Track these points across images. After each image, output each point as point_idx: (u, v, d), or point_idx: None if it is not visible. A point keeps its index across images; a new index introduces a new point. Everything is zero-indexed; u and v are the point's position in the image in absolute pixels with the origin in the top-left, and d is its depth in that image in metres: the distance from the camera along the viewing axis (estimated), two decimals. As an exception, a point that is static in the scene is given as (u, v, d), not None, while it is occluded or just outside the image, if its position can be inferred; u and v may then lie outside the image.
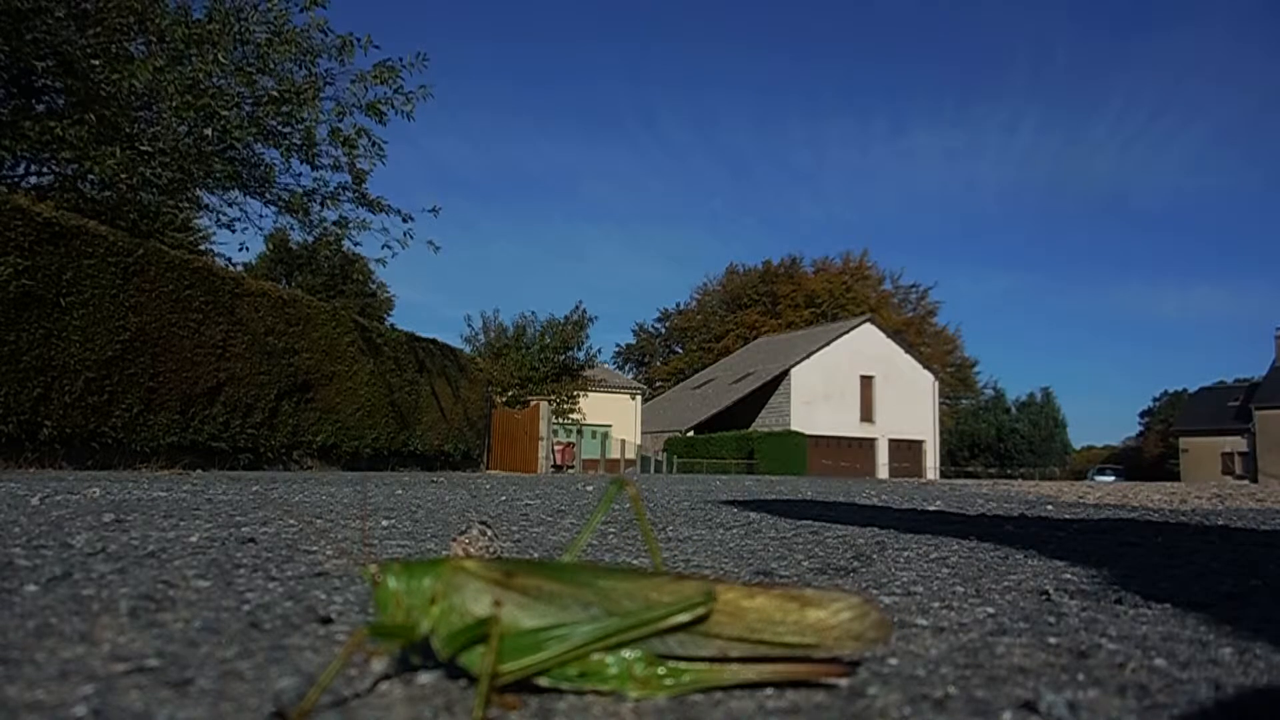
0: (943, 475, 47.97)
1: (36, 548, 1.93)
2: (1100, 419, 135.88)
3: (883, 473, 45.02)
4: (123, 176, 12.01)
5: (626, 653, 0.87)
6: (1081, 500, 7.16)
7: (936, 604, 1.52)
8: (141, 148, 12.42)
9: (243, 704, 0.82)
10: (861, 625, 0.91)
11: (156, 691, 0.84)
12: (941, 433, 51.42)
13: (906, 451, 47.38)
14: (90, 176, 12.71)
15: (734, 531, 2.94)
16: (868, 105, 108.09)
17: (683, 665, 0.88)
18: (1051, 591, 1.69)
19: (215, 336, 11.55)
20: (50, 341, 9.20)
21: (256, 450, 12.40)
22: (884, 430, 46.85)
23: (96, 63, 11.65)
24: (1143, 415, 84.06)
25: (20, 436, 8.96)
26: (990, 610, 1.47)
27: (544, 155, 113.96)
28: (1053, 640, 1.22)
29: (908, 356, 48.95)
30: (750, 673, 0.90)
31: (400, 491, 5.49)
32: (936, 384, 49.83)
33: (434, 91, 14.08)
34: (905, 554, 2.34)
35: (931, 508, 5.11)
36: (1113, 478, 50.50)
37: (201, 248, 18.13)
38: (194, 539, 2.27)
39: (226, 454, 11.83)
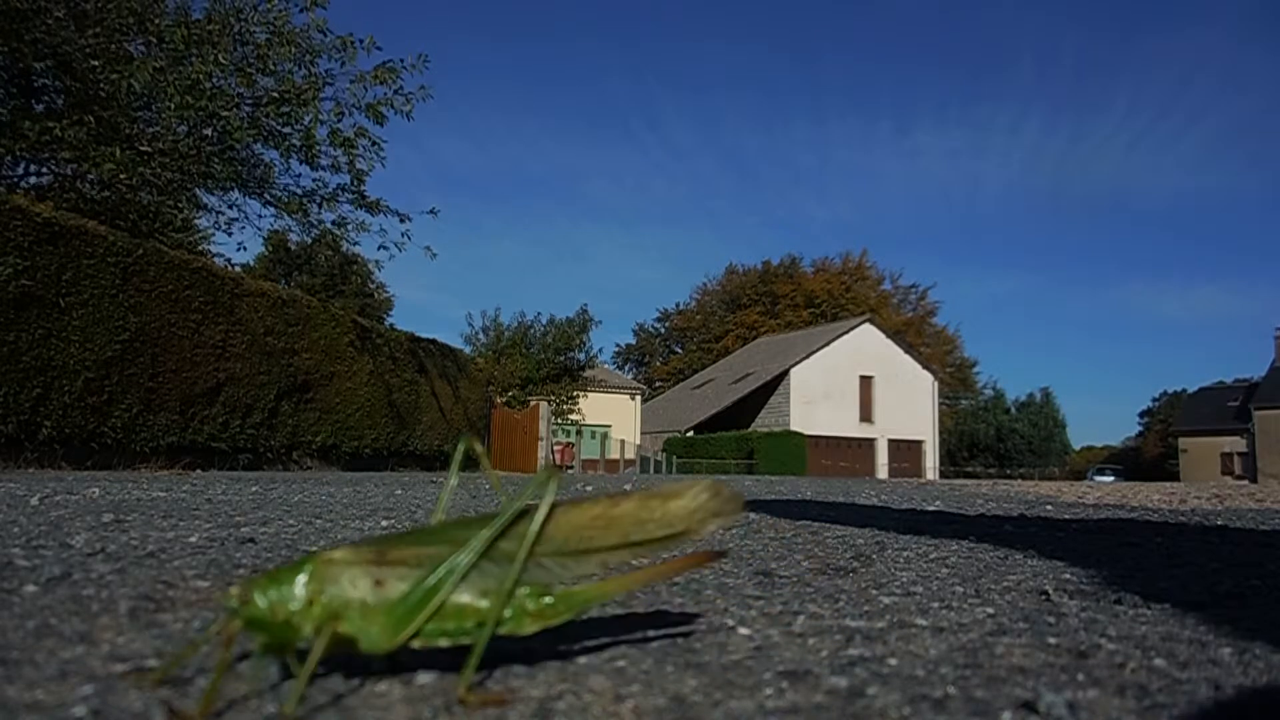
0: (942, 475, 47.97)
1: (36, 548, 1.93)
2: (1100, 419, 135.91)
3: (882, 473, 45.02)
4: (122, 177, 12.01)
5: (516, 591, 0.89)
6: (1081, 500, 7.16)
7: (936, 604, 1.52)
8: (141, 148, 12.43)
9: (243, 705, 0.82)
10: (718, 502, 0.97)
11: (156, 692, 0.84)
12: (941, 433, 51.42)
13: (906, 452, 47.38)
14: (90, 177, 12.72)
15: (734, 531, 2.94)
16: (872, 106, 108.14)
17: (573, 590, 0.92)
18: (1051, 592, 1.69)
19: (215, 337, 11.54)
20: (49, 342, 9.20)
21: (256, 450, 12.40)
22: (883, 430, 46.85)
23: (96, 63, 11.65)
24: (1142, 415, 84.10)
25: (19, 437, 8.96)
26: (990, 610, 1.47)
27: (546, 155, 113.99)
28: (1052, 640, 1.22)
29: (907, 357, 48.96)
30: (633, 581, 0.98)
31: (400, 492, 5.49)
32: (936, 384, 49.84)
33: (435, 92, 14.09)
34: (905, 554, 2.34)
35: (931, 508, 5.11)
36: (1112, 478, 50.51)
37: (201, 248, 18.13)
38: (193, 539, 2.27)
39: (226, 454, 11.83)
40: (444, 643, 0.87)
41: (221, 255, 16.70)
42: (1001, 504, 5.95)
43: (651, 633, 1.20)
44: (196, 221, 16.83)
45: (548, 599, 0.90)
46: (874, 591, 1.65)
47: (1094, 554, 2.53)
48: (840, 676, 1.00)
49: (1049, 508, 5.52)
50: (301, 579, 0.84)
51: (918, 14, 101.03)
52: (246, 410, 12.17)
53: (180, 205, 14.68)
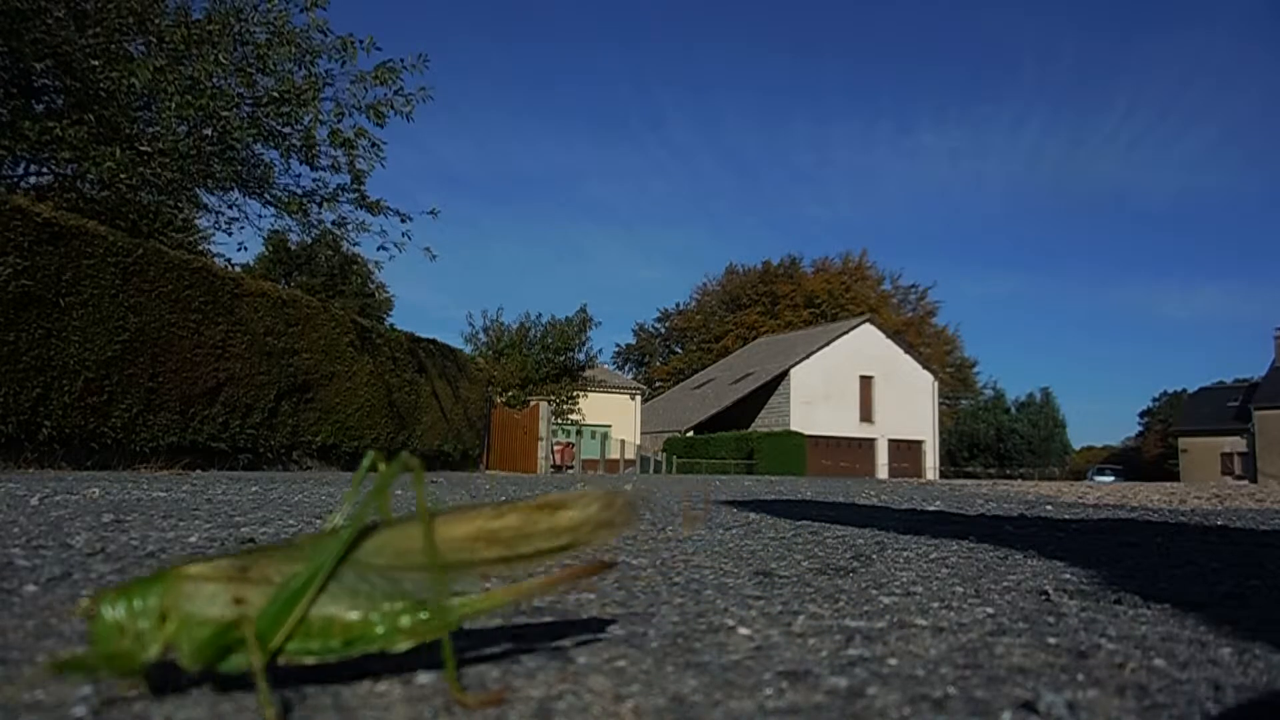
0: (942, 475, 47.98)
1: (36, 548, 1.93)
2: (1100, 419, 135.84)
3: (882, 473, 45.02)
4: (122, 176, 12.00)
5: (389, 604, 0.85)
6: (1081, 500, 7.16)
7: (936, 604, 1.52)
8: (141, 148, 12.42)
9: (241, 704, 0.82)
10: (610, 513, 0.94)
11: (155, 692, 0.84)
12: (941, 433, 51.43)
13: (906, 452, 47.39)
14: (90, 176, 12.70)
15: (734, 532, 2.94)
16: (872, 105, 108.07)
17: (450, 603, 0.88)
18: (1051, 592, 1.69)
19: (215, 337, 11.54)
20: (49, 342, 9.20)
21: (256, 450, 12.40)
22: (883, 430, 46.85)
23: (96, 63, 11.65)
24: (1142, 415, 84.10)
25: (19, 437, 8.96)
26: (990, 610, 1.47)
27: (546, 155, 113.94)
28: (1052, 640, 1.22)
29: (907, 357, 48.97)
30: (515, 593, 0.93)
31: (400, 492, 5.49)
32: (936, 384, 49.85)
33: (435, 92, 14.08)
34: (905, 554, 2.34)
35: (931, 508, 5.11)
36: (1112, 478, 50.51)
37: (201, 248, 18.12)
38: (193, 539, 2.27)
39: (226, 454, 11.83)
40: (310, 660, 0.83)
41: (222, 255, 16.69)
42: (1001, 504, 5.95)
43: (651, 633, 1.20)
44: (197, 221, 16.84)
45: (422, 614, 0.85)
46: (874, 591, 1.65)
47: (1094, 554, 2.53)
48: (840, 676, 1.00)
49: (1049, 508, 5.52)
50: (155, 593, 0.80)
51: (918, 14, 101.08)
52: (246, 410, 12.17)
53: (180, 205, 14.67)
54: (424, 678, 0.92)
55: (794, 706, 0.88)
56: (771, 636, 1.20)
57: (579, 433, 30.35)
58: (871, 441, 46.60)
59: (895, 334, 51.74)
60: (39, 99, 12.81)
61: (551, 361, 32.53)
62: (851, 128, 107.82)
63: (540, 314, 33.91)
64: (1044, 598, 1.63)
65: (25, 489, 4.21)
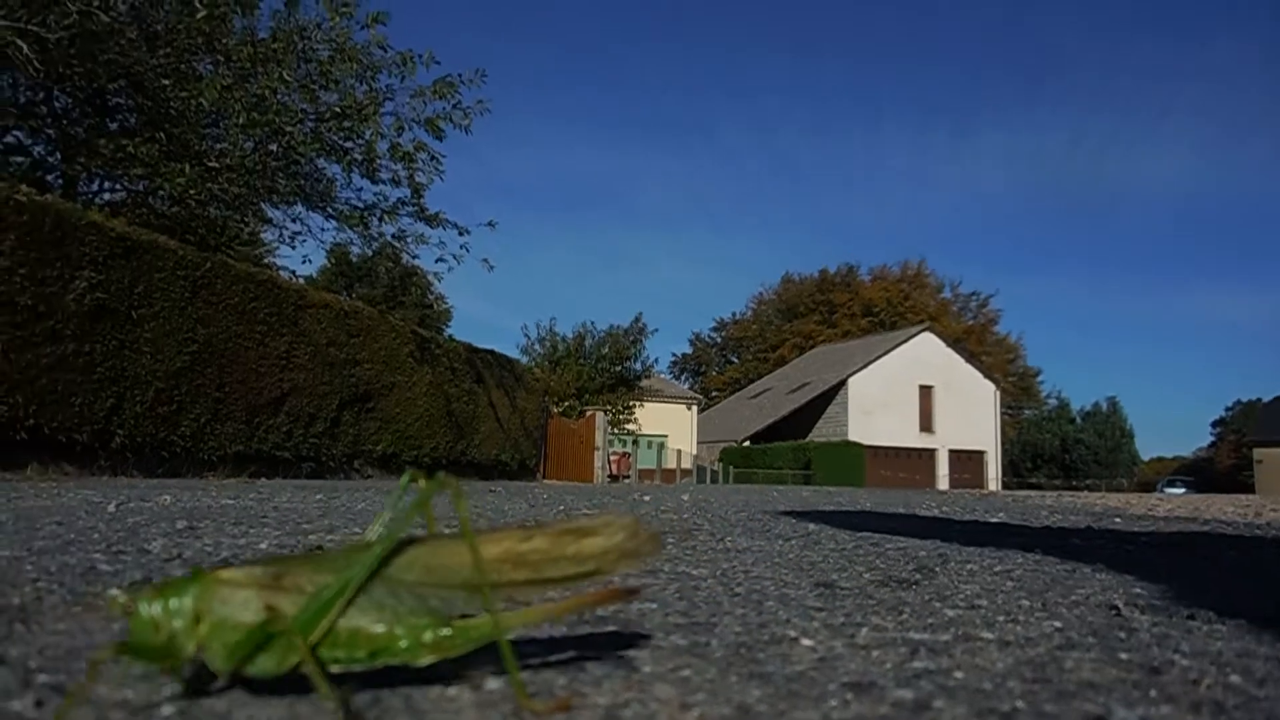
0: (1005, 487, 47.07)
1: (116, 553, 1.99)
2: (1169, 429, 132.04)
3: (943, 484, 44.31)
4: (191, 192, 12.37)
5: (414, 620, 0.86)
6: (1151, 513, 6.98)
7: (1001, 617, 1.50)
8: (209, 164, 12.79)
9: (319, 706, 0.84)
10: (635, 543, 0.94)
11: (237, 694, 0.87)
12: (1003, 443, 50.49)
13: (967, 462, 46.59)
14: (160, 192, 13.11)
15: (793, 543, 2.93)
16: (930, 110, 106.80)
17: (472, 622, 0.89)
18: (1121, 606, 1.66)
19: (279, 348, 11.81)
20: (122, 353, 9.49)
21: (319, 459, 12.64)
22: (944, 441, 46.13)
23: (166, 82, 12.03)
24: (1214, 425, 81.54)
25: (94, 445, 9.25)
26: (1058, 624, 1.45)
27: (601, 164, 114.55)
28: (1123, 656, 1.20)
29: (968, 366, 48.18)
30: (535, 615, 0.93)
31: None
32: (998, 394, 48.96)
33: (492, 104, 14.28)
34: (968, 567, 2.31)
35: (994, 520, 5.02)
36: (1183, 490, 49.06)
37: (266, 261, 18.56)
38: (263, 545, 2.33)
39: (290, 463, 12.08)
40: (335, 669, 0.85)
41: (286, 268, 17.08)
42: (1067, 516, 5.82)
43: (714, 643, 1.21)
44: (262, 235, 17.25)
45: (445, 630, 0.87)
46: (937, 604, 1.63)
47: (1165, 568, 2.47)
48: (906, 689, 0.99)
49: (1117, 520, 5.39)
50: (190, 594, 0.82)
51: (976, 17, 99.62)
52: (310, 420, 12.42)
53: (246, 219, 15.06)
54: (493, 684, 0.94)
55: (859, 718, 0.88)
56: (835, 648, 1.20)
57: (635, 442, 30.41)
58: (932, 452, 45.91)
59: (955, 342, 50.96)
60: (113, 118, 13.27)
61: (607, 371, 32.66)
62: (908, 133, 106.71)
63: (595, 323, 34.10)
64: (1114, 612, 1.59)
65: (101, 496, 4.35)
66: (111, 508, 3.53)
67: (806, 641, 1.23)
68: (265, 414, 11.59)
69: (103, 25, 10.65)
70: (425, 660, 0.87)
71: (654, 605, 1.50)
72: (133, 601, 0.81)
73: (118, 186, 13.73)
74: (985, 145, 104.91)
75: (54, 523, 2.76)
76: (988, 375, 49.20)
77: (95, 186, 13.63)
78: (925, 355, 46.80)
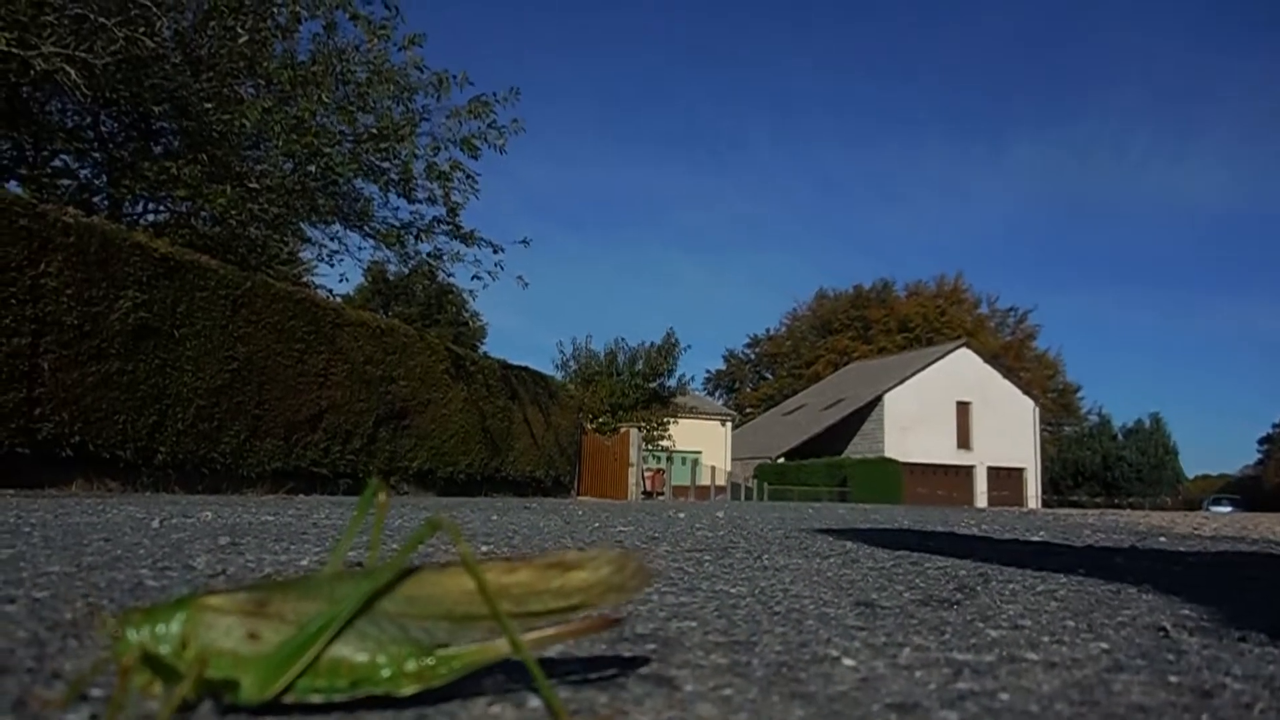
0: (1045, 504, 46.36)
1: (162, 569, 2.03)
2: (1215, 446, 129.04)
3: (981, 501, 43.75)
4: (233, 212, 12.59)
5: (396, 649, 0.86)
6: (1196, 532, 6.84)
7: (1046, 638, 1.47)
8: (250, 185, 13.02)
9: (364, 723, 0.85)
10: (622, 577, 0.93)
11: (288, 714, 0.88)
12: (1043, 460, 49.77)
13: (1006, 480, 45.98)
14: (203, 213, 13.37)
15: (831, 561, 2.91)
16: (966, 124, 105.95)
17: (454, 651, 0.88)
18: (1169, 628, 1.63)
19: (317, 365, 11.95)
20: (165, 371, 9.65)
21: (355, 475, 12.75)
22: (982, 457, 45.58)
23: (209, 105, 12.28)
24: (1262, 442, 79.69)
25: (137, 462, 9.41)
26: (1104, 646, 1.42)
27: (635, 180, 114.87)
28: (1173, 679, 1.18)
29: (1006, 382, 47.63)
30: (514, 646, 0.90)
31: (495, 517, 5.58)
32: (1037, 410, 48.32)
33: (525, 121, 14.42)
34: (1010, 586, 2.28)
35: (1035, 538, 4.95)
36: (1230, 508, 47.98)
37: (305, 279, 18.82)
38: (304, 562, 2.35)
39: (327, 479, 12.19)
40: (316, 699, 0.85)
41: (324, 287, 17.30)
42: (1110, 535, 5.73)
43: (754, 662, 1.20)
44: (301, 254, 17.52)
45: (428, 659, 0.87)
46: (980, 624, 1.61)
47: (1214, 589, 2.42)
48: (950, 710, 0.98)
49: (1162, 539, 5.29)
50: (177, 620, 0.83)
51: (1013, 30, 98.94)
52: (346, 436, 12.53)
53: (286, 239, 15.30)
54: (535, 701, 0.94)
55: (905, 740, 0.87)
56: (877, 668, 1.19)
57: (669, 459, 30.35)
58: (970, 469, 45.37)
59: (993, 358, 50.44)
60: (157, 141, 13.56)
61: (641, 388, 32.67)
62: (943, 147, 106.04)
63: (627, 339, 34.14)
64: (1162, 634, 1.57)
65: (145, 512, 4.42)
66: (155, 524, 3.58)
67: (848, 661, 1.23)
68: (303, 431, 11.72)
69: (148, 51, 10.90)
70: (408, 690, 0.87)
71: (693, 624, 1.50)
72: (120, 626, 0.82)
73: (162, 208, 14.01)
74: (1022, 159, 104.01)
75: (101, 539, 2.81)
76: (1026, 391, 48.61)
77: (140, 208, 13.92)
78: (962, 371, 46.33)
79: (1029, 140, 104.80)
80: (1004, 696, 1.05)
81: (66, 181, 13.58)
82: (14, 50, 9.23)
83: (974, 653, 1.32)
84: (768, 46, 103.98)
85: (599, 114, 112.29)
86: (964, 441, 45.58)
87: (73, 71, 9.76)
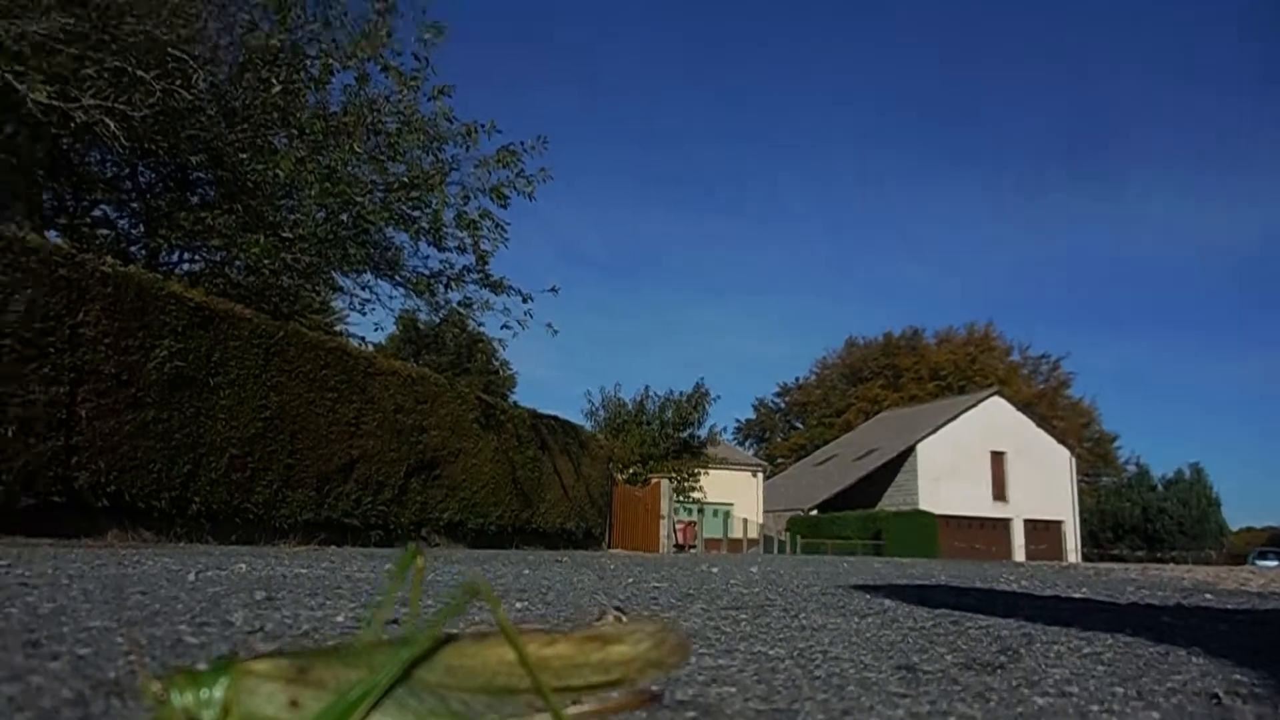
0: (1085, 558, 45.41)
1: (201, 625, 2.03)
2: (1259, 497, 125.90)
3: (1019, 555, 42.94)
4: (266, 262, 12.80)
5: None
6: (1243, 588, 6.67)
7: (1095, 706, 1.44)
8: (283, 234, 13.24)
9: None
10: (660, 652, 0.92)
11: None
12: (1081, 512, 48.84)
13: (1044, 533, 45.14)
14: (237, 262, 13.61)
15: (869, 620, 2.86)
16: (997, 169, 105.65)
17: None
18: (1222, 694, 1.58)
19: (349, 414, 12.03)
20: (199, 420, 9.75)
21: (386, 526, 12.75)
22: (1019, 510, 44.81)
23: (244, 155, 12.56)
24: (1306, 494, 77.84)
25: (171, 512, 9.47)
26: (1156, 715, 1.38)
27: (663, 227, 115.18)
28: (1233, 753, 1.14)
29: (1040, 431, 46.94)
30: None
31: (528, 571, 5.55)
32: (1074, 460, 47.54)
33: (553, 172, 14.62)
34: (1055, 648, 2.22)
35: (1077, 595, 4.84)
36: (1276, 562, 46.74)
37: (337, 328, 19.05)
38: (340, 619, 2.34)
39: (359, 530, 12.21)
40: None
41: (356, 335, 17.49)
42: (1155, 591, 5.59)
43: (798, 731, 1.18)
44: (332, 303, 17.75)
45: None
46: (1025, 690, 1.57)
47: (1266, 650, 2.35)
48: (1004, 787, 0.95)
49: (1208, 596, 5.16)
50: (220, 685, 0.83)
51: (1046, 74, 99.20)
52: (378, 487, 12.57)
53: (318, 288, 15.53)
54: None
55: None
56: (924, 739, 1.16)
57: (701, 511, 30.11)
58: (1006, 522, 44.61)
59: (1026, 406, 49.80)
60: (193, 191, 13.87)
61: (671, 437, 32.55)
62: (974, 194, 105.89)
63: (655, 389, 34.09)
64: (1214, 701, 1.52)
65: (180, 564, 4.44)
66: (191, 576, 3.60)
67: (894, 731, 1.20)
68: (335, 481, 11.77)
69: (184, 103, 11.20)
70: None
71: (733, 689, 1.48)
72: (165, 690, 0.82)
73: (197, 257, 14.29)
74: (1054, 204, 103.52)
75: (138, 592, 2.82)
76: (1061, 440, 47.89)
77: (176, 257, 14.20)
78: (996, 420, 45.76)
79: (1062, 186, 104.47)
80: (1058, 772, 1.02)
81: (105, 231, 13.90)
82: (55, 103, 9.50)
83: (1023, 723, 1.29)
84: (798, 93, 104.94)
85: (626, 160, 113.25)
86: (999, 493, 44.88)
87: (112, 123, 10.03)
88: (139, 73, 10.48)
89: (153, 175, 13.79)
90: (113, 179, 13.58)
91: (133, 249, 13.68)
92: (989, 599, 4.18)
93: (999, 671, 1.79)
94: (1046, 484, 45.53)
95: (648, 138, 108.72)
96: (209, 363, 9.90)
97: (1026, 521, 44.87)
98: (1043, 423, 48.33)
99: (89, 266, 8.66)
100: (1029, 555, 42.83)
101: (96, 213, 13.89)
